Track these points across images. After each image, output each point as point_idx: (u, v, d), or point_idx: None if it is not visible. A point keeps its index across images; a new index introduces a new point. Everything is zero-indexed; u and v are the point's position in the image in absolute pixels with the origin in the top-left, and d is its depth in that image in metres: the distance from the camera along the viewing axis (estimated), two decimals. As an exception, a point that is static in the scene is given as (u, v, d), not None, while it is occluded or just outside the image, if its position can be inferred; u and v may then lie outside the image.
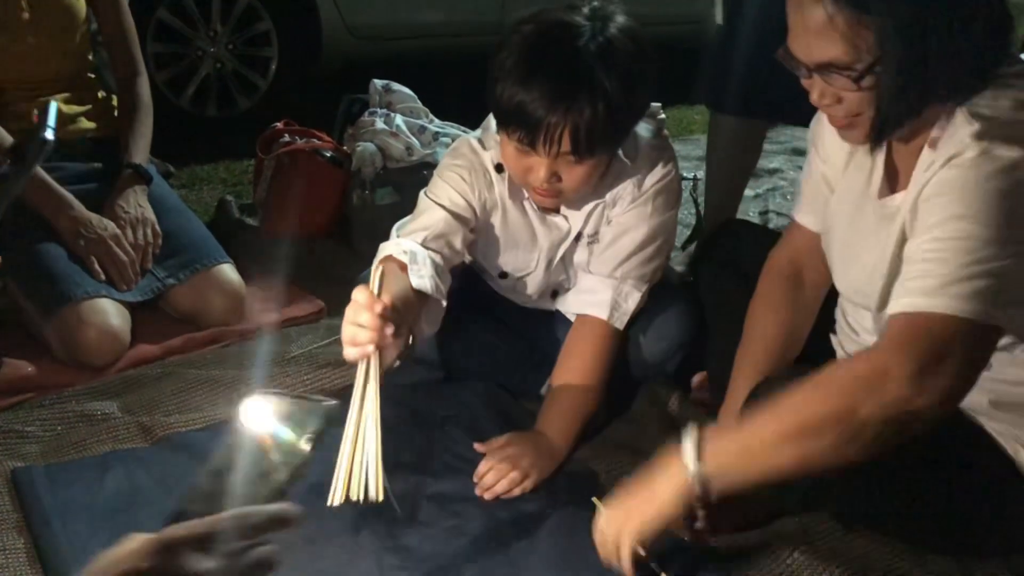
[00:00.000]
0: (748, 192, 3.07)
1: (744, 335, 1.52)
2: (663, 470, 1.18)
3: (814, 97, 1.21)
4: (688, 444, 1.15)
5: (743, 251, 1.68)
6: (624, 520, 1.20)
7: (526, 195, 1.61)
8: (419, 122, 2.65)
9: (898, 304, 1.13)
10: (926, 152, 1.17)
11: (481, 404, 1.73)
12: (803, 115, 2.24)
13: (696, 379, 1.56)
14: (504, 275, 1.75)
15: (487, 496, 1.49)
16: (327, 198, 2.53)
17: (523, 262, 1.71)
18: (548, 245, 1.67)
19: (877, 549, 1.40)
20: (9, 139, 1.91)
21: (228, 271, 2.05)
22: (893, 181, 1.30)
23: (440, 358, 1.78)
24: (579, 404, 1.61)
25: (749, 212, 2.91)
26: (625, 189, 1.59)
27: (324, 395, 1.72)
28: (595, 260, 1.64)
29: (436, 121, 2.77)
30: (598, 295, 1.60)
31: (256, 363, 1.86)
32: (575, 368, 1.62)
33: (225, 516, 0.62)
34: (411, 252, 1.44)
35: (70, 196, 1.94)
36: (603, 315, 1.59)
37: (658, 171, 1.60)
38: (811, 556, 1.37)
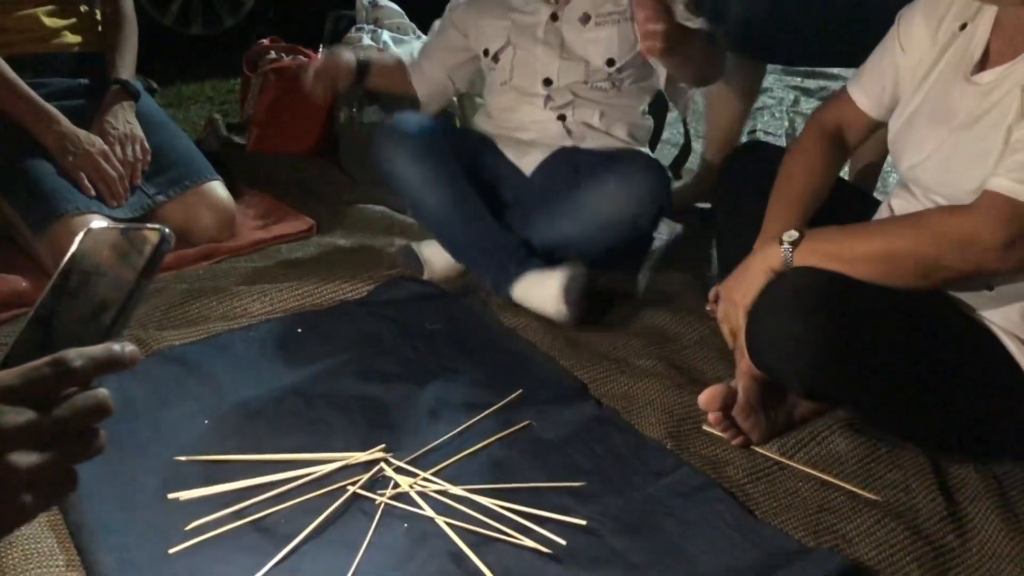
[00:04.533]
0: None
1: (781, 182, 1.53)
2: (762, 257, 1.41)
3: None
4: (787, 241, 1.38)
5: (766, 171, 1.69)
6: (739, 295, 1.43)
7: None
8: (406, 38, 2.63)
9: (999, 183, 1.22)
10: None
11: (467, 317, 1.77)
12: (809, 57, 2.20)
13: (711, 293, 1.58)
14: (486, 52, 1.93)
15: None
16: (314, 116, 2.53)
17: (492, 32, 1.90)
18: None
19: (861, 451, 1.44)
20: None
21: (218, 188, 2.06)
22: (984, 60, 1.34)
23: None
24: None
25: (737, 131, 2.91)
26: None
27: (313, 307, 1.77)
28: None
29: (424, 37, 2.74)
30: None
31: (247, 279, 1.89)
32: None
33: (40, 362, 0.56)
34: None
35: (56, 111, 1.93)
36: None
37: None
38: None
